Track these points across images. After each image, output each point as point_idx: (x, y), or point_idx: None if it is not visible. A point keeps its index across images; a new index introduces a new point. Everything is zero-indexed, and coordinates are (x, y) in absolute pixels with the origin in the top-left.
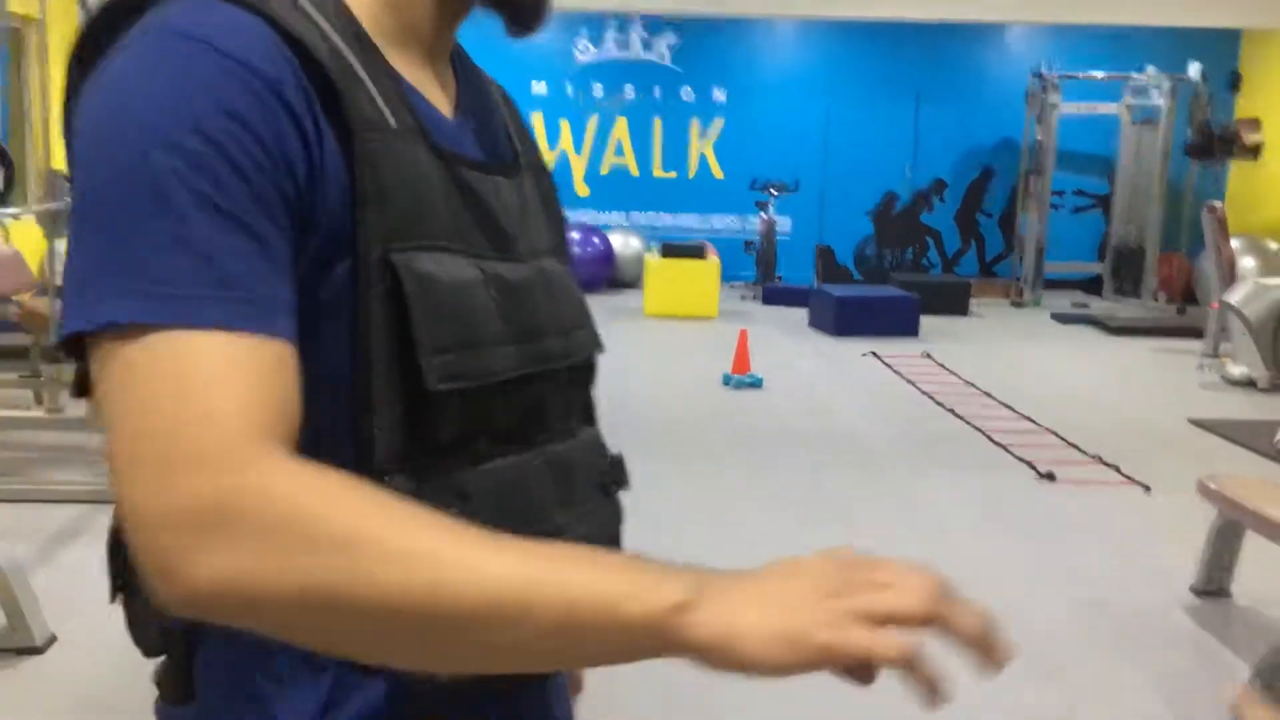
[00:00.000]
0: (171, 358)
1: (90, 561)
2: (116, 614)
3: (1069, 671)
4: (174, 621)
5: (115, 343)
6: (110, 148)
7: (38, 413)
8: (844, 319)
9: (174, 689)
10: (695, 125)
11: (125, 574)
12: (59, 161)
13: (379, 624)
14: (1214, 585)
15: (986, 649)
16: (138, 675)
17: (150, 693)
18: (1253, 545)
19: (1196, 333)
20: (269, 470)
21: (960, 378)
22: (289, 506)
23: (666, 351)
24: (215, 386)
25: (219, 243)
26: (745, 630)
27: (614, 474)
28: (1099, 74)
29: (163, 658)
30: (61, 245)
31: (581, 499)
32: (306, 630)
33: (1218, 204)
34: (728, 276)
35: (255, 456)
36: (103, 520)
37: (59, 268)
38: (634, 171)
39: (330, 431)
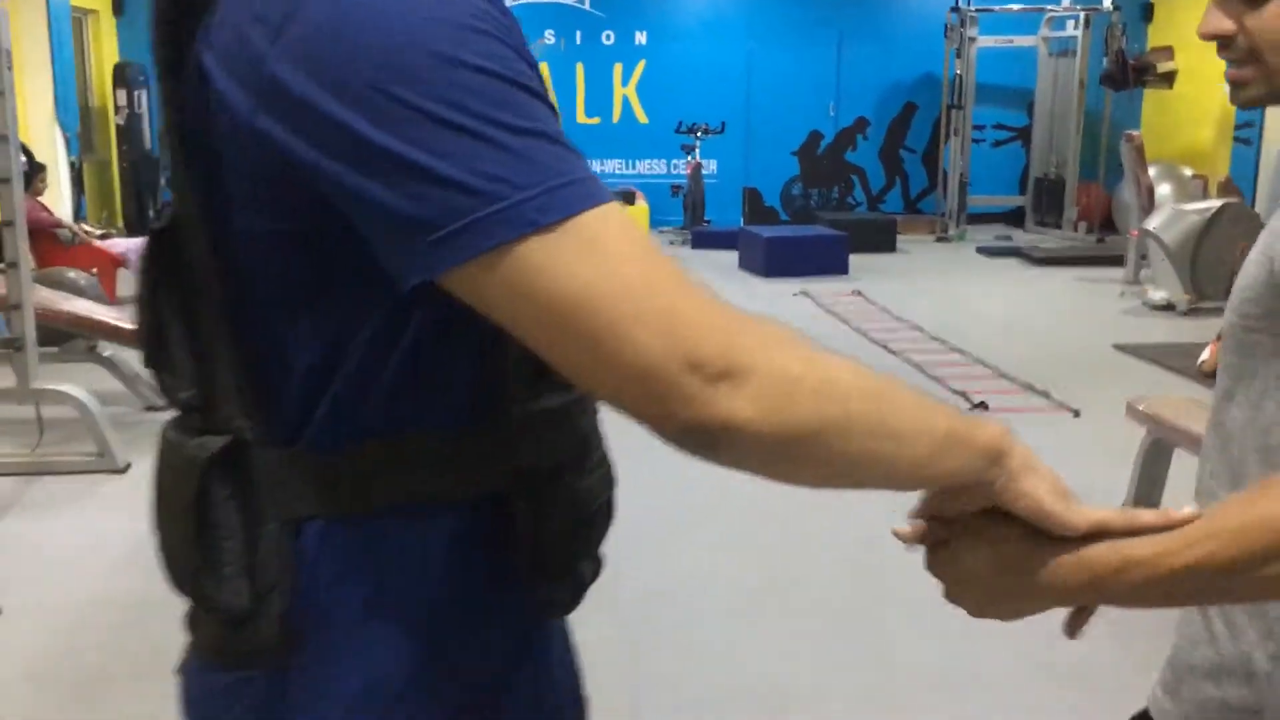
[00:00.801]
0: (627, 227)
1: (25, 533)
2: (57, 585)
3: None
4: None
5: (560, 229)
6: (429, 56)
7: None
8: (774, 260)
9: (257, 649)
10: (618, 70)
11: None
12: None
13: (858, 454)
14: (1145, 503)
15: None
16: (83, 646)
17: (95, 665)
18: (1180, 464)
19: (1117, 260)
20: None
21: (891, 314)
22: (787, 362)
23: None
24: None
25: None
26: (1034, 470)
27: None
28: (1015, 6)
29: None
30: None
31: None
32: (793, 461)
33: (1135, 133)
34: (656, 222)
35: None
36: (36, 492)
37: None
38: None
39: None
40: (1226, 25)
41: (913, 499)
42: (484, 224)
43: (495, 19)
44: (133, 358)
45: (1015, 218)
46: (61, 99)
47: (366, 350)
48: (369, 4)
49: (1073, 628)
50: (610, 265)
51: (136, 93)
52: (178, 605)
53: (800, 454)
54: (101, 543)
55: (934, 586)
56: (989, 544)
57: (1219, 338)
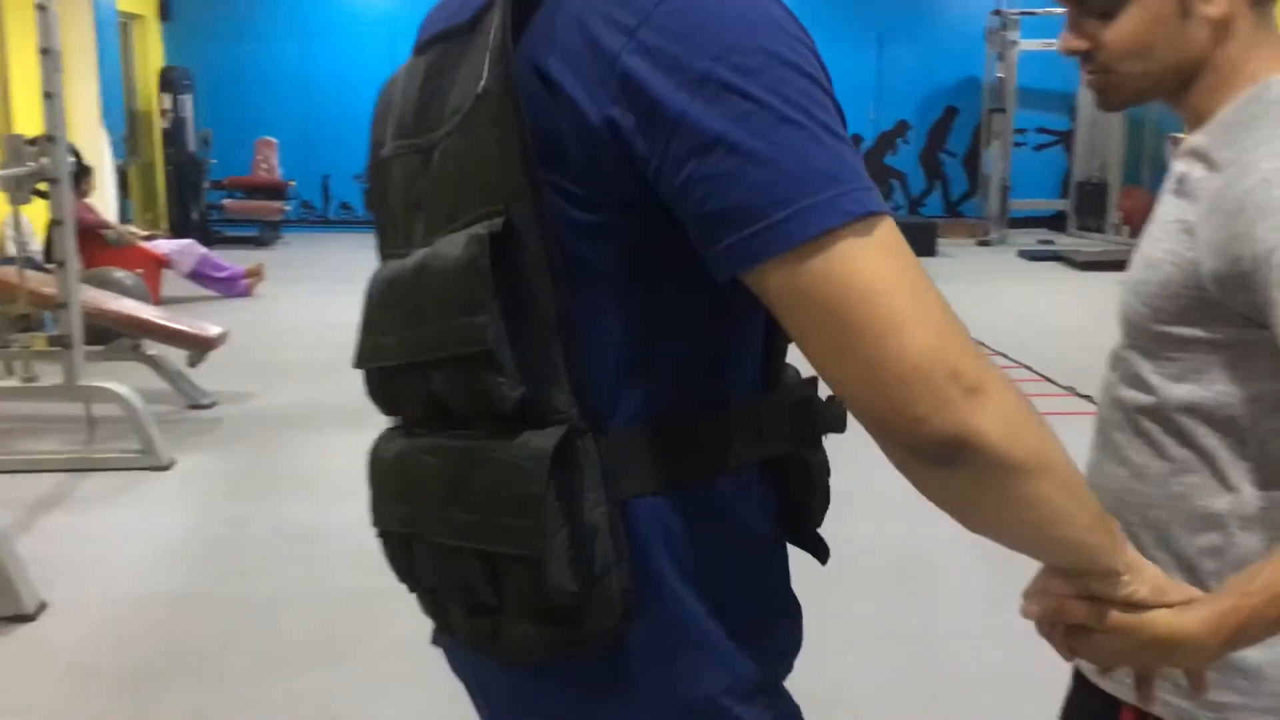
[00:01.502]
0: (900, 240)
1: (72, 529)
2: (103, 580)
3: None
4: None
5: (865, 227)
6: (774, 53)
7: (11, 382)
8: None
9: (595, 633)
10: None
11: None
12: (20, 125)
13: (1051, 505)
14: None
15: None
16: (128, 640)
17: (140, 659)
18: None
19: None
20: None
21: None
22: (1016, 397)
23: None
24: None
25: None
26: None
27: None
28: (1058, 10)
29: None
30: (25, 211)
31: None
32: (1006, 494)
33: (1179, 136)
34: None
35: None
36: (82, 488)
37: (21, 235)
38: None
39: None
40: (1081, 43)
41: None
42: (808, 213)
43: (807, 33)
44: (176, 356)
45: (1057, 222)
46: (107, 103)
47: (685, 329)
48: (716, 6)
49: (1144, 697)
50: (900, 264)
51: (181, 97)
52: (220, 600)
53: (1015, 487)
54: (146, 538)
55: (980, 589)
56: (1122, 629)
57: None
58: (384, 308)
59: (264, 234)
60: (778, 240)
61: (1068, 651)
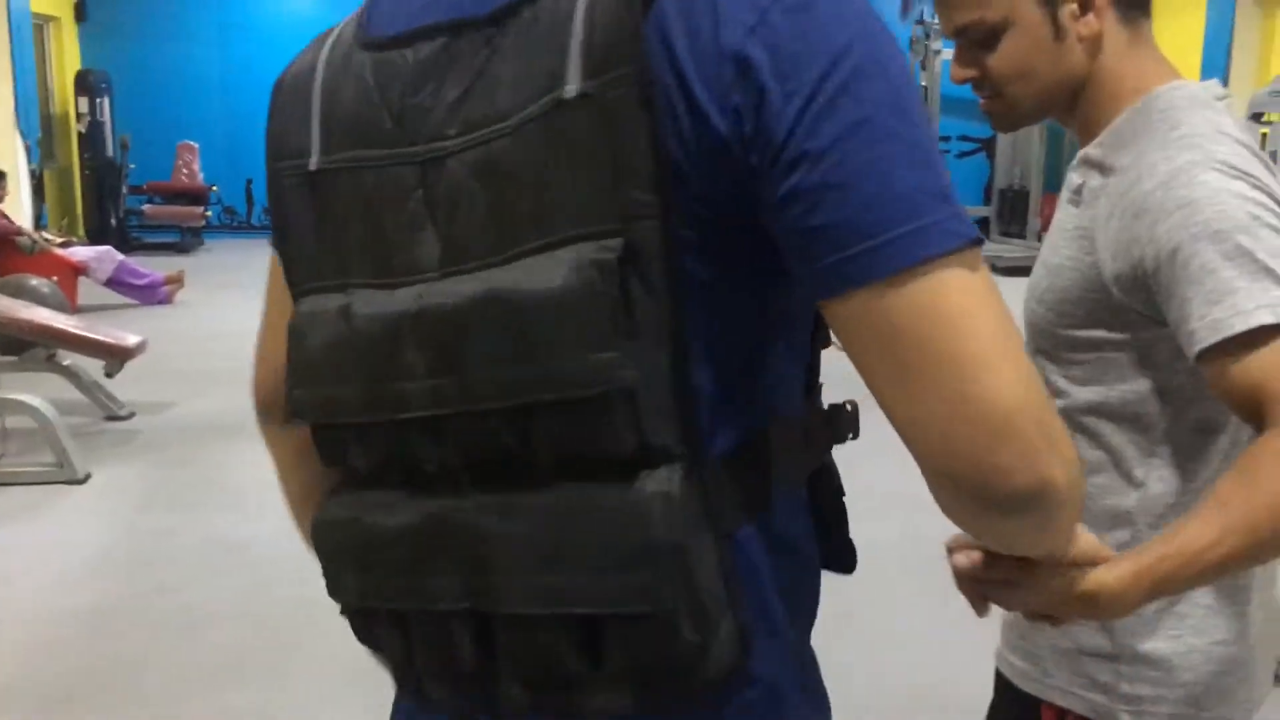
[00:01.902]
0: (987, 272)
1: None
2: (14, 598)
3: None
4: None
5: (963, 257)
6: (885, 64)
7: None
8: None
9: (716, 675)
10: None
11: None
12: None
13: (1068, 526)
14: None
15: None
16: (42, 661)
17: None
18: None
19: None
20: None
21: None
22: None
23: None
24: None
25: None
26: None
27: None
28: None
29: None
30: None
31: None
32: (1052, 527)
33: None
34: None
35: None
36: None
37: None
38: None
39: None
40: (969, 72)
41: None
42: (911, 239)
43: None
44: (93, 367)
45: (981, 229)
46: (22, 106)
47: (768, 346)
48: (833, 6)
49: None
50: (992, 299)
51: (98, 100)
52: (141, 616)
53: (1062, 520)
54: (61, 554)
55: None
56: (1048, 586)
57: None
58: (393, 349)
59: (185, 240)
60: (879, 264)
61: (982, 605)
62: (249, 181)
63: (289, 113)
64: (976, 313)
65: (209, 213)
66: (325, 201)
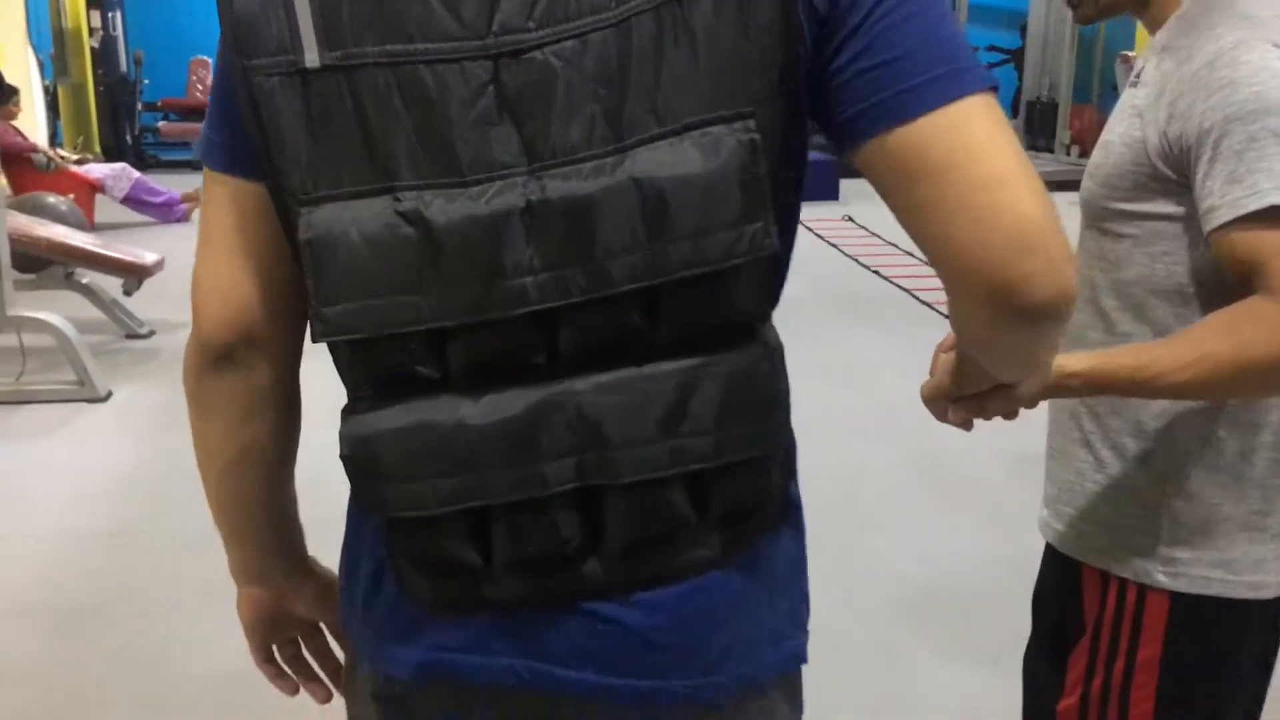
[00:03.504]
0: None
1: (3, 463)
2: (36, 515)
3: (1004, 512)
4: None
5: (988, 98)
6: None
7: None
8: None
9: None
10: None
11: None
12: None
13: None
14: None
15: None
16: (62, 577)
17: (74, 595)
18: None
19: None
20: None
21: (883, 239)
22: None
23: None
24: None
25: None
26: None
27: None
28: None
29: None
30: None
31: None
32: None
33: (1130, 54)
34: None
35: None
36: (14, 421)
37: None
38: None
39: None
40: None
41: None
42: (955, 77)
43: None
44: (111, 285)
45: None
46: (34, 21)
47: (792, 227)
48: None
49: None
50: (1010, 134)
51: (110, 14)
52: (157, 534)
53: (1061, 335)
54: (82, 472)
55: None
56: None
57: None
58: (494, 248)
59: None
60: (929, 97)
61: (965, 420)
62: None
63: (264, 6)
64: (1001, 141)
65: None
66: (331, 101)
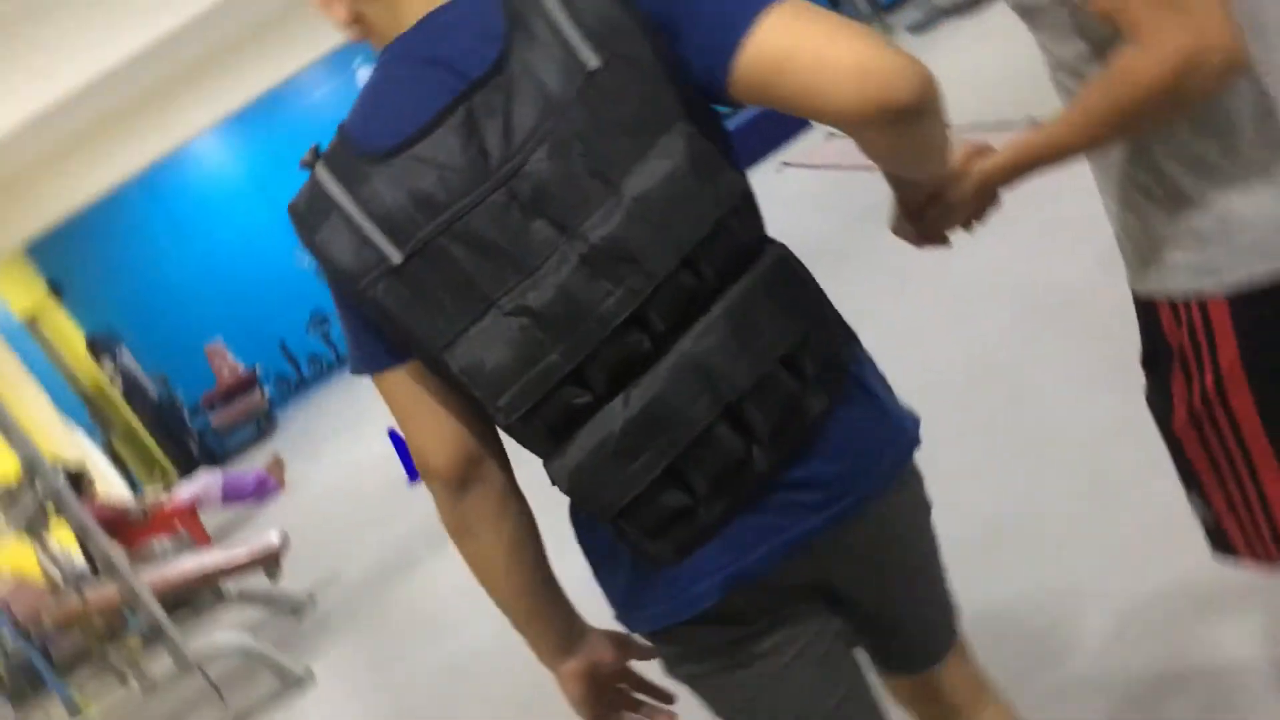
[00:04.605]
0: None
1: None
2: None
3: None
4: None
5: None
6: None
7: (130, 690)
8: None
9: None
10: None
11: None
12: None
13: (941, 137)
14: None
15: None
16: None
17: None
18: None
19: None
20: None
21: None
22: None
23: None
24: None
25: None
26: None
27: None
28: None
29: None
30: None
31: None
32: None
33: None
34: None
35: None
36: None
37: (59, 562)
38: None
39: None
40: None
41: None
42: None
43: None
44: (258, 581)
45: None
46: (58, 401)
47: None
48: None
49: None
50: (816, 10)
51: (117, 354)
52: None
53: (941, 122)
54: None
55: None
56: (956, 198)
57: None
58: (573, 299)
59: (261, 426)
60: (749, 19)
61: (934, 236)
62: (281, 342)
63: (331, 242)
64: (814, 19)
65: (267, 391)
66: (422, 276)
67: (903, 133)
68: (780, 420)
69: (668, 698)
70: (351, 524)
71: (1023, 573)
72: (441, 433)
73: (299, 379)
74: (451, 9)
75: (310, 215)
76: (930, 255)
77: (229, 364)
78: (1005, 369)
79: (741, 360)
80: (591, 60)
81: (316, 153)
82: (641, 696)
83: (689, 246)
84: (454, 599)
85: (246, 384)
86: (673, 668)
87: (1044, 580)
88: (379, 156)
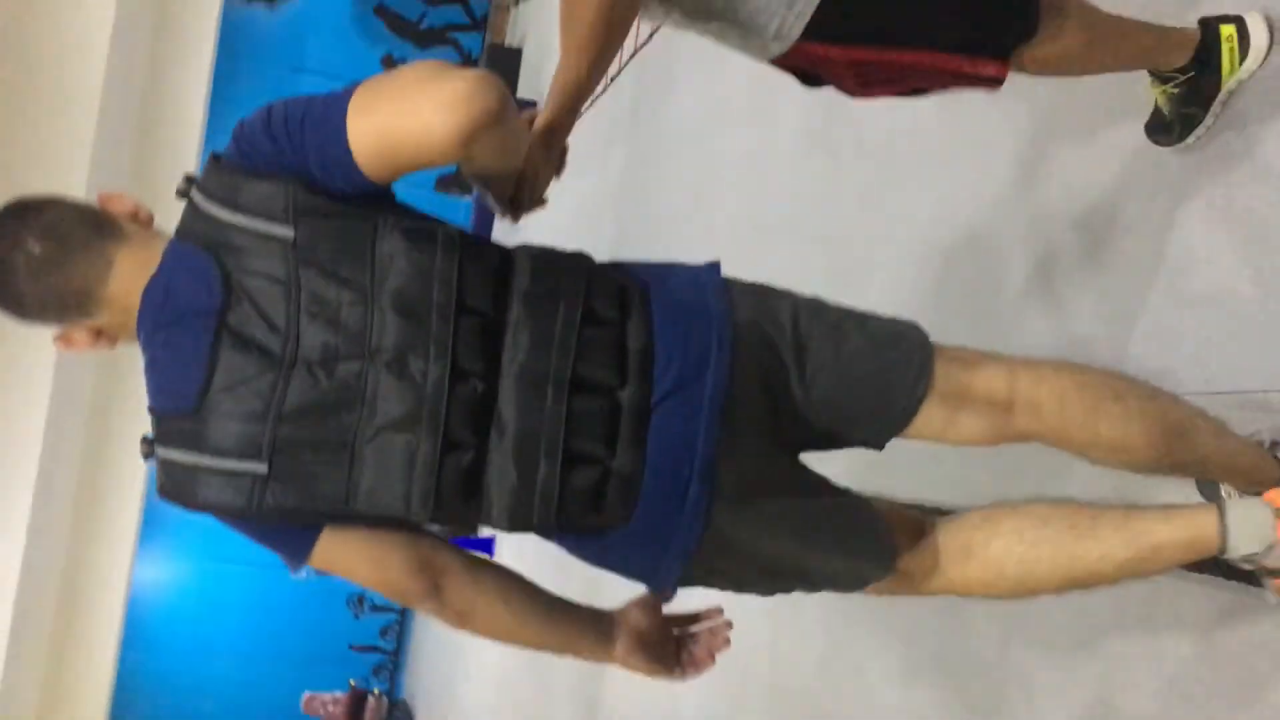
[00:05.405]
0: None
1: None
2: None
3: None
4: None
5: (366, 86)
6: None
7: None
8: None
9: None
10: None
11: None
12: None
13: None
14: None
15: None
16: None
17: None
18: None
19: None
20: None
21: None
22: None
23: None
24: None
25: None
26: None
27: None
28: None
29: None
30: None
31: None
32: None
33: None
34: None
35: None
36: None
37: None
38: None
39: None
40: None
41: None
42: (353, 86)
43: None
44: None
45: None
46: None
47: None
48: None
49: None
50: (402, 72)
51: None
52: None
53: (509, 122)
54: None
55: None
56: (537, 161)
57: None
58: (403, 363)
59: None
60: (341, 112)
61: (520, 211)
62: (349, 646)
63: (212, 494)
64: (381, 89)
65: (376, 691)
66: (290, 467)
67: (498, 132)
68: (614, 359)
69: (712, 612)
70: None
71: None
72: (390, 562)
73: (392, 654)
74: (160, 273)
75: (182, 488)
76: None
77: (328, 700)
78: None
79: (552, 343)
80: (287, 232)
81: (150, 442)
82: (692, 629)
83: (452, 298)
84: None
85: (356, 702)
86: (701, 580)
87: None
88: (194, 411)
